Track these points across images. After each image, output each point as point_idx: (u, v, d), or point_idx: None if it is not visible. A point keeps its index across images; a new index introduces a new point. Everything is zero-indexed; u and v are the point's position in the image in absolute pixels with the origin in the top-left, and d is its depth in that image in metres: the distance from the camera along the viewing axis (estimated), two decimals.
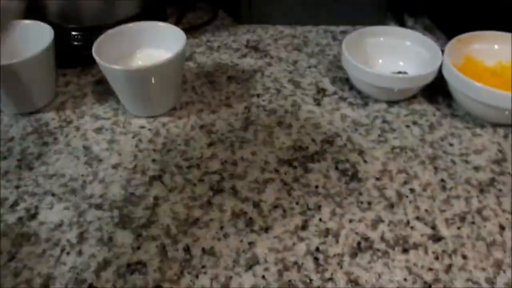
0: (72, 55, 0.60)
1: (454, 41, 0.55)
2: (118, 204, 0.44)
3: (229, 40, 0.67)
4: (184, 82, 0.59)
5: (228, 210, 0.43)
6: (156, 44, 0.54)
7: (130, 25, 0.55)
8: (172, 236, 0.41)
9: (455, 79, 0.51)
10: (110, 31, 0.53)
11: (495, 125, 0.52)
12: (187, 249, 0.40)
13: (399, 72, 0.56)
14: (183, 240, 0.40)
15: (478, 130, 0.51)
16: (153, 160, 0.48)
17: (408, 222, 0.41)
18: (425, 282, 0.37)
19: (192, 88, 0.58)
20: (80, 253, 0.39)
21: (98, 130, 0.52)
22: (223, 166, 0.47)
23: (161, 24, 0.55)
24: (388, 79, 0.52)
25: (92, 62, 0.49)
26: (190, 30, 0.68)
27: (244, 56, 0.64)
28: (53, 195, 0.45)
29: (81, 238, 0.41)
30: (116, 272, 0.38)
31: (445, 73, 0.52)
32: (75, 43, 0.59)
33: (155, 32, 0.54)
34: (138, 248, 0.40)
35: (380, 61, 0.59)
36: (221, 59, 0.63)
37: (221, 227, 0.41)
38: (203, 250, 0.40)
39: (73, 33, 0.59)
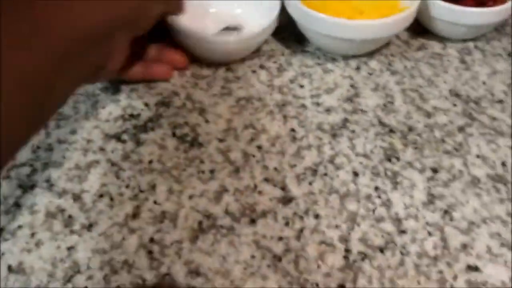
0: None
1: None
2: None
3: None
4: None
5: (42, 210, 0.35)
6: None
7: None
8: None
9: (297, 12, 0.45)
10: None
11: (347, 57, 0.47)
12: None
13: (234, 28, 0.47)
14: None
15: (329, 66, 0.47)
16: None
17: (255, 187, 0.36)
18: (274, 256, 0.33)
19: None
20: None
21: None
22: (35, 154, 0.38)
23: None
24: (215, 44, 0.43)
25: None
26: None
27: None
28: None
29: None
30: None
31: (288, 7, 0.46)
32: None
33: None
34: None
35: (213, 10, 0.49)
36: None
37: (33, 234, 0.33)
38: (10, 268, 0.32)
39: None
